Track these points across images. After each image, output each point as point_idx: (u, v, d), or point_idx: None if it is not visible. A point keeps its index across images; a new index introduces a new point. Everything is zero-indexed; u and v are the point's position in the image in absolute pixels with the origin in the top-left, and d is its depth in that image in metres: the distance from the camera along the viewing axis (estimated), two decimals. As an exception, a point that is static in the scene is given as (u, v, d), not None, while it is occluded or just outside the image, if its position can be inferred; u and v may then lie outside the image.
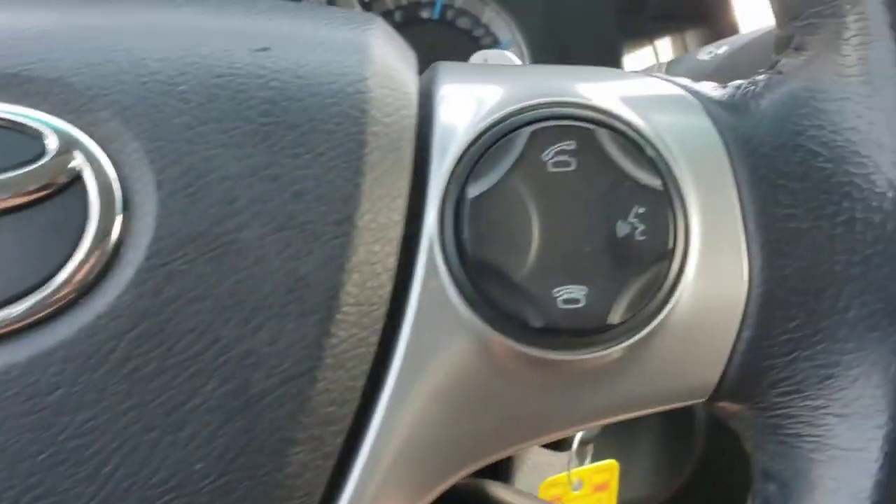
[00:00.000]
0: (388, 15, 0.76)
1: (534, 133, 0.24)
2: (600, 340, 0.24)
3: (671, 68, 0.47)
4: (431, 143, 0.25)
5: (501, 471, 0.56)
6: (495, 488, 0.36)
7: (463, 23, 0.77)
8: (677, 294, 0.25)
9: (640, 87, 0.28)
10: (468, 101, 0.26)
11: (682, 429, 0.64)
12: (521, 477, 0.56)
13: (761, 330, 0.26)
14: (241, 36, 0.25)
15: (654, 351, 0.25)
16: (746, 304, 0.26)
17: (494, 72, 0.28)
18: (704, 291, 0.26)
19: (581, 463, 0.54)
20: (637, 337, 0.25)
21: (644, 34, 0.71)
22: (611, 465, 0.53)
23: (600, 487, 0.54)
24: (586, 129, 0.25)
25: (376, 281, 0.24)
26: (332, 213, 0.23)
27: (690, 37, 0.70)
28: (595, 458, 0.55)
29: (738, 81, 0.29)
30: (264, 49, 0.25)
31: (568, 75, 0.27)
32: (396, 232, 0.24)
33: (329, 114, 0.24)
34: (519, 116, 0.25)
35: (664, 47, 0.71)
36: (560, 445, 0.52)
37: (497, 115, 0.25)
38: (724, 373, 0.26)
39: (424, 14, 0.77)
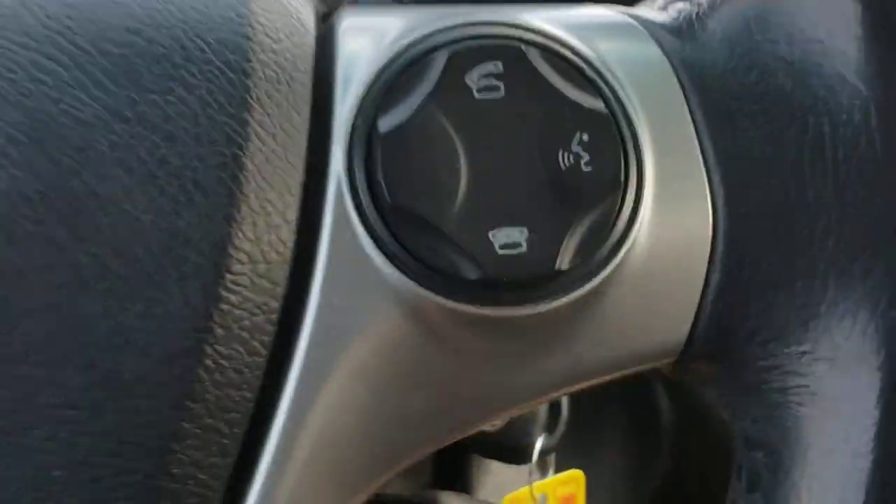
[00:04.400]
0: None
1: (453, 54, 0.21)
2: (548, 291, 0.21)
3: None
4: (335, 74, 0.21)
5: (458, 491, 0.51)
6: (452, 499, 0.32)
7: None
8: (633, 234, 0.21)
9: (574, 12, 0.24)
10: (376, 28, 0.22)
11: (648, 433, 0.60)
12: (481, 496, 0.52)
13: (731, 273, 0.22)
14: None
15: (611, 303, 0.22)
16: (713, 245, 0.22)
17: (405, 7, 0.24)
18: (663, 231, 0.22)
19: (543, 475, 0.50)
20: (590, 285, 0.21)
21: None
22: (576, 475, 0.49)
23: (567, 501, 0.49)
24: (514, 48, 0.21)
25: (273, 234, 0.20)
26: (214, 155, 0.19)
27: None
28: (558, 470, 0.51)
29: (680, 4, 0.26)
30: (125, -26, 0.21)
31: (490, 6, 0.24)
32: (296, 176, 0.20)
33: (205, 41, 0.20)
34: (435, 37, 0.21)
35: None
36: (518, 457, 0.48)
37: (410, 38, 0.21)
38: (694, 325, 0.23)
39: None
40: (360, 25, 0.22)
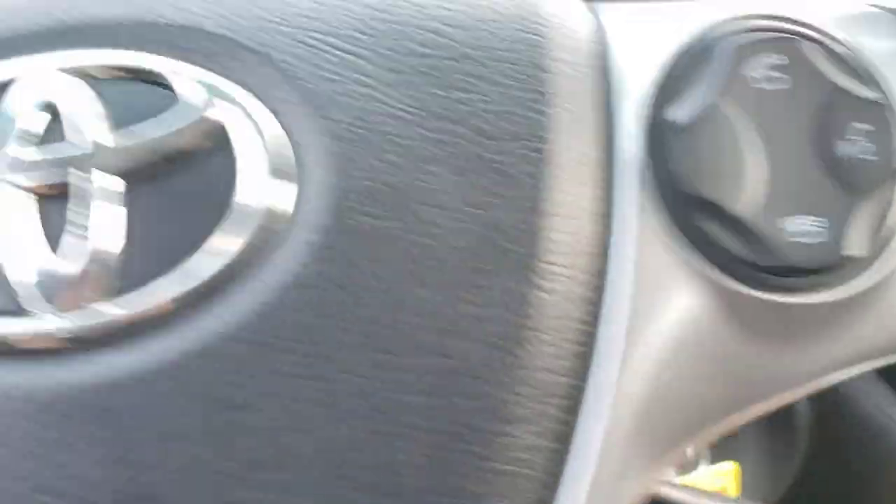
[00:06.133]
0: None
1: (740, 48, 0.21)
2: (839, 276, 0.21)
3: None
4: (610, 66, 0.22)
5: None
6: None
7: None
8: None
9: (838, 6, 0.25)
10: (650, 22, 0.23)
11: (782, 425, 0.60)
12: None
13: None
14: None
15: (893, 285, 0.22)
16: None
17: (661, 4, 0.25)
18: None
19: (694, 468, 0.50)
20: (877, 269, 0.21)
21: None
22: (730, 469, 0.49)
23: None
24: (795, 41, 0.22)
25: (580, 224, 0.20)
26: (520, 148, 0.20)
27: None
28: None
29: None
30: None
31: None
32: (595, 168, 0.21)
33: (502, 39, 0.21)
34: (718, 30, 0.22)
35: None
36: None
37: (694, 31, 0.22)
38: None
39: None
40: (630, 18, 0.23)
